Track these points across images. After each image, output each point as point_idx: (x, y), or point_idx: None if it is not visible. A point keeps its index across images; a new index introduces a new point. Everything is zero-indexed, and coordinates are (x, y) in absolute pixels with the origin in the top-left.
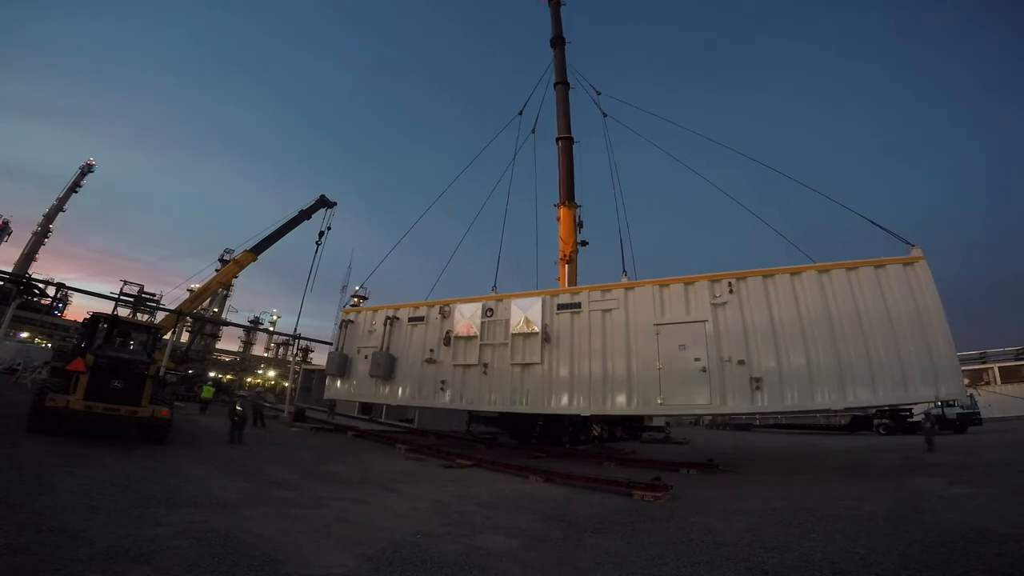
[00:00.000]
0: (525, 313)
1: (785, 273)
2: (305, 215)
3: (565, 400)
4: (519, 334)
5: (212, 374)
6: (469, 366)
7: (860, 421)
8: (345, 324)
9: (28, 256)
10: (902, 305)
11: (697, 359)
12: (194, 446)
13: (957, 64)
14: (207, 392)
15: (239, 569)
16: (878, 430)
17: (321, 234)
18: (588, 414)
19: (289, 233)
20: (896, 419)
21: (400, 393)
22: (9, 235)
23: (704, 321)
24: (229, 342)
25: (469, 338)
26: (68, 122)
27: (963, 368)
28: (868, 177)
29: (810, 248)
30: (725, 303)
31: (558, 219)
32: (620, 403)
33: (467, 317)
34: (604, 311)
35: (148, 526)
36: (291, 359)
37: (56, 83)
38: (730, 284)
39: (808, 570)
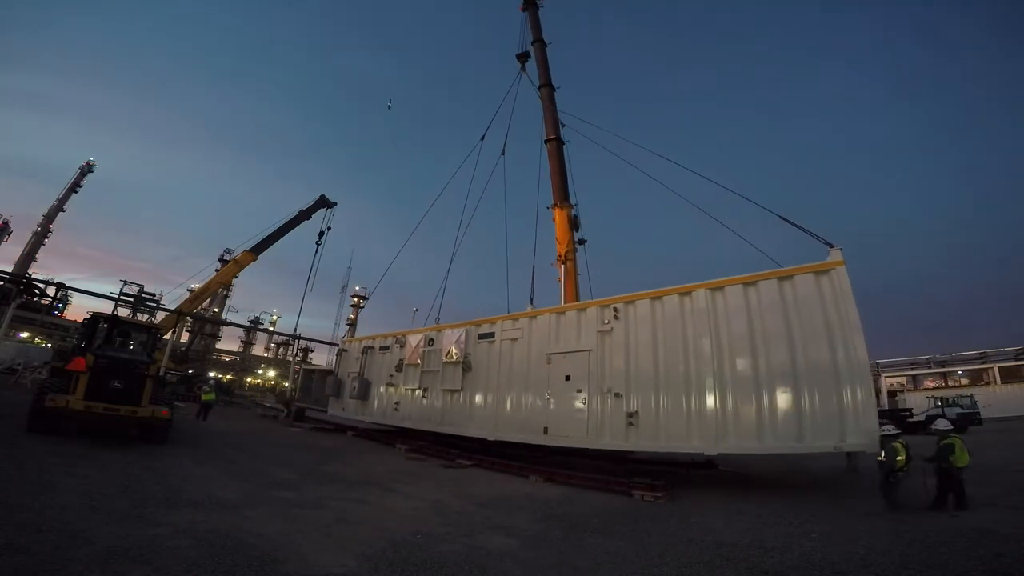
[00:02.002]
0: (452, 343)
1: (674, 294)
2: (305, 215)
3: (476, 426)
4: (448, 363)
5: (212, 374)
6: (414, 390)
7: None
8: (340, 353)
9: (28, 256)
10: (809, 328)
11: (579, 390)
12: (194, 446)
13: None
14: (208, 396)
15: (239, 569)
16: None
17: (321, 234)
18: (493, 439)
19: (289, 233)
20: (896, 420)
21: (374, 412)
22: (9, 235)
23: (589, 350)
24: (229, 342)
25: (415, 365)
26: (72, 119)
27: (963, 368)
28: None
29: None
30: (611, 330)
31: (554, 220)
32: (517, 432)
33: (414, 346)
34: (512, 340)
35: (148, 526)
36: (291, 359)
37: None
38: (615, 310)
39: (808, 570)
